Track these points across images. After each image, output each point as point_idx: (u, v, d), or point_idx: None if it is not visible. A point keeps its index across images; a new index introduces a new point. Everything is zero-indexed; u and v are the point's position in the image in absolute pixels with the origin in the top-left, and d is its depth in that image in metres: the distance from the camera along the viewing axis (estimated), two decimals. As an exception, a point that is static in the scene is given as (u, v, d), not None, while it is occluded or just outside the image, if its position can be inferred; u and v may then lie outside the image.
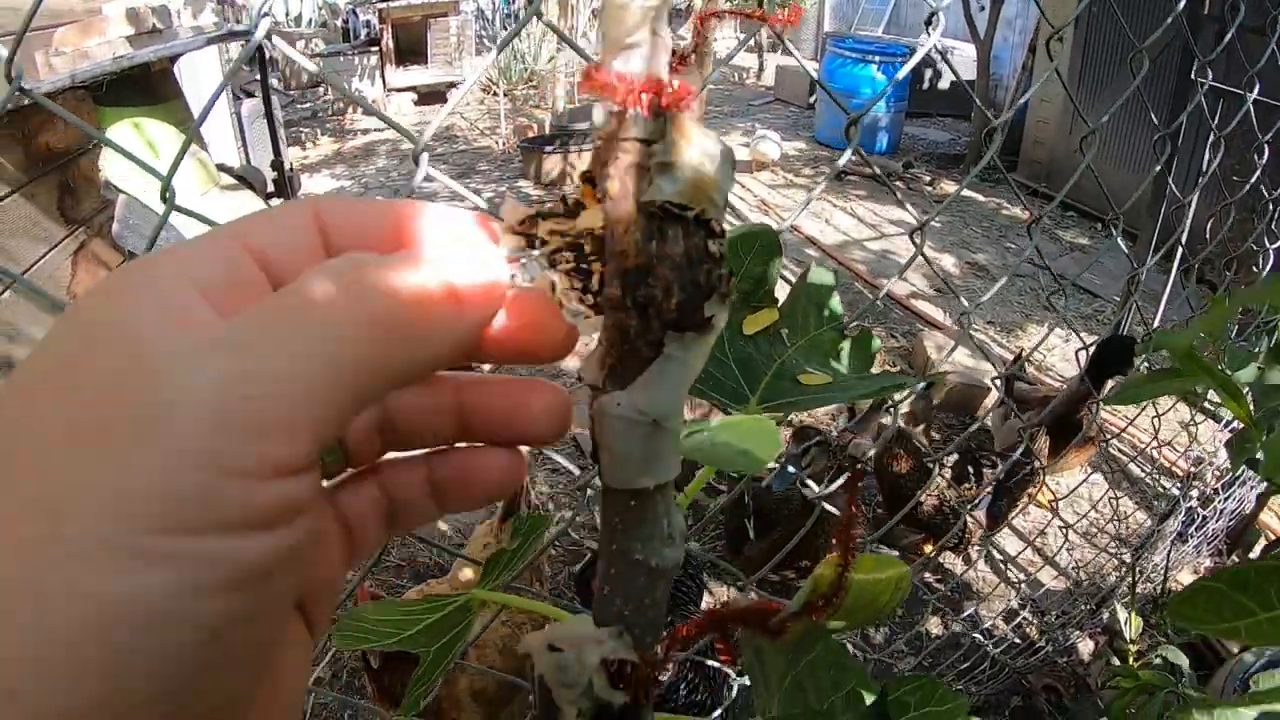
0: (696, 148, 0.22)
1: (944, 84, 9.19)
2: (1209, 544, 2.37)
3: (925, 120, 9.07)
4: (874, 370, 0.59)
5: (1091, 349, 2.15)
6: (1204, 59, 1.35)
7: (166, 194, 0.49)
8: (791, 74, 10.02)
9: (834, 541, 0.31)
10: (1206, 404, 3.31)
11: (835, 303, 0.58)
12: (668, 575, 0.25)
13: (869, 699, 0.46)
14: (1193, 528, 2.24)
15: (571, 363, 3.93)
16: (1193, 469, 2.37)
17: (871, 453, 2.44)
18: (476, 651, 1.76)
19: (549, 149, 6.74)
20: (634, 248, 0.22)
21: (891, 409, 0.92)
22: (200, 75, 3.92)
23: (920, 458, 2.48)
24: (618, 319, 0.23)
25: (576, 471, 0.74)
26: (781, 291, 0.59)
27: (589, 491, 0.65)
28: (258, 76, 4.34)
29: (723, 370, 0.53)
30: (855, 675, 0.46)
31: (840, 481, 1.04)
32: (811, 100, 9.16)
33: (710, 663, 1.27)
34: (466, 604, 0.57)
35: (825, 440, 2.17)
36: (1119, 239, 1.20)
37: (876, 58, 7.40)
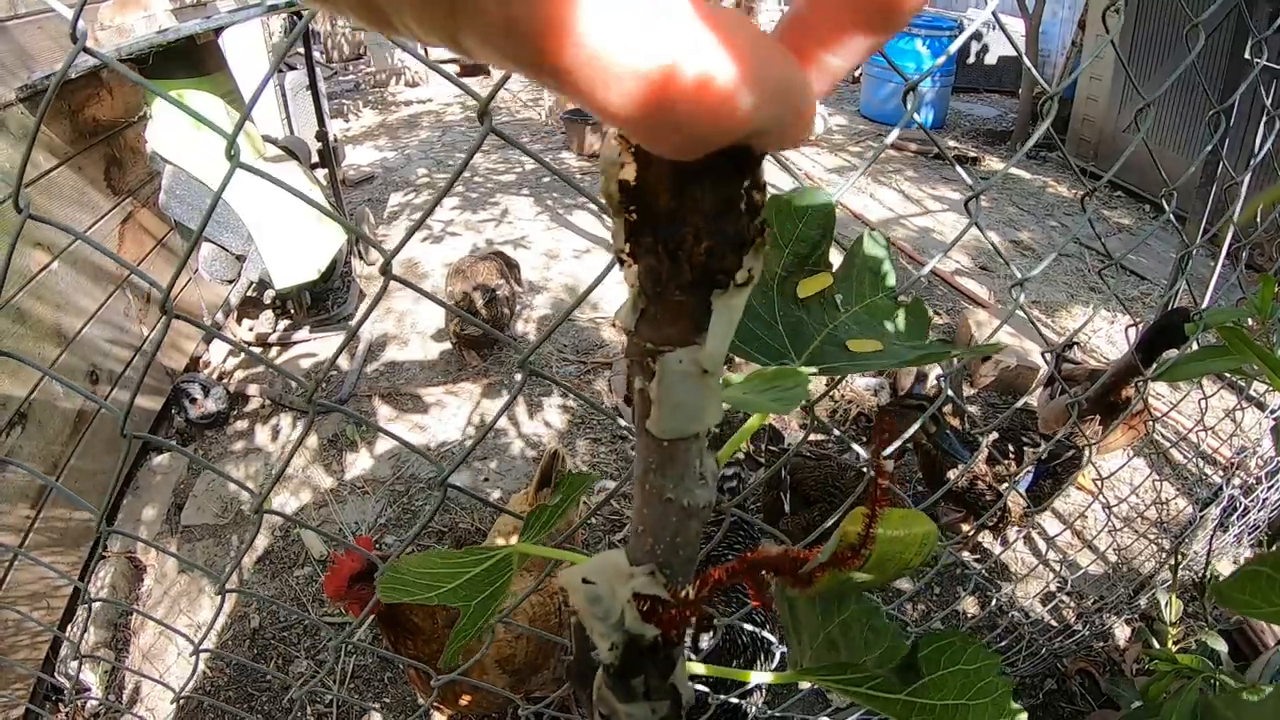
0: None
1: (990, 59, 9.02)
2: (1250, 534, 2.34)
3: (971, 96, 8.93)
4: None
5: (1141, 327, 2.12)
6: (1260, 35, 1.32)
7: (231, 152, 0.50)
8: (836, 48, 9.88)
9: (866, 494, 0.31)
10: (1253, 392, 3.25)
11: (890, 271, 0.58)
12: (699, 515, 0.26)
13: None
14: (1234, 516, 2.21)
15: (608, 333, 3.94)
16: (1236, 457, 2.33)
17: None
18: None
19: (592, 121, 6.73)
20: (664, 196, 0.23)
21: (944, 379, 0.91)
22: (243, 48, 3.96)
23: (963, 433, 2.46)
24: (649, 264, 0.24)
25: (620, 422, 0.75)
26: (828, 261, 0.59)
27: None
28: (300, 49, 4.37)
29: (770, 333, 0.53)
30: (888, 635, 0.46)
31: (902, 439, 1.03)
32: (856, 74, 9.04)
33: (747, 626, 1.27)
34: (508, 558, 0.58)
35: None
36: (1170, 216, 1.18)
37: (921, 31, 7.27)
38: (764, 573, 0.29)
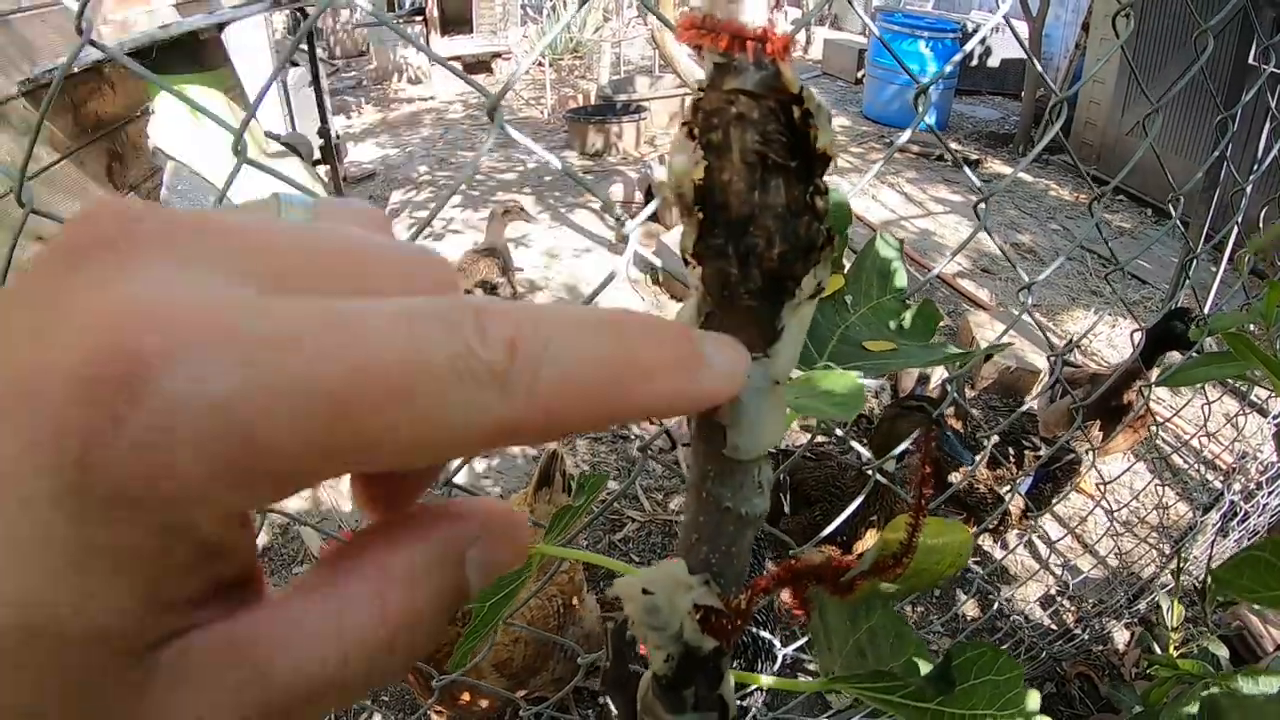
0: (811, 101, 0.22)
1: (993, 61, 9.01)
2: (1250, 539, 2.34)
3: (974, 98, 8.92)
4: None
5: (1143, 333, 2.12)
6: (1266, 41, 1.32)
7: (237, 148, 0.50)
8: (840, 48, 9.89)
9: (908, 500, 0.31)
10: (1254, 398, 3.26)
11: (899, 274, 0.58)
12: (755, 524, 0.26)
13: (925, 668, 0.46)
14: (1234, 521, 2.21)
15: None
16: (1237, 462, 2.33)
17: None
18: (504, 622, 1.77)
19: (594, 120, 6.72)
20: (737, 198, 0.22)
21: (949, 381, 0.92)
22: (246, 43, 3.96)
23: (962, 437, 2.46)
24: (718, 267, 0.23)
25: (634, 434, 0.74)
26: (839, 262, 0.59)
27: (645, 454, 0.65)
28: (304, 46, 4.36)
29: (791, 334, 0.52)
30: (913, 644, 0.46)
31: (909, 441, 1.03)
32: (859, 75, 9.03)
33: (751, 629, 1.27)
34: (527, 561, 0.57)
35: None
36: (1176, 222, 1.18)
37: (925, 33, 7.27)
38: (806, 582, 0.28)
